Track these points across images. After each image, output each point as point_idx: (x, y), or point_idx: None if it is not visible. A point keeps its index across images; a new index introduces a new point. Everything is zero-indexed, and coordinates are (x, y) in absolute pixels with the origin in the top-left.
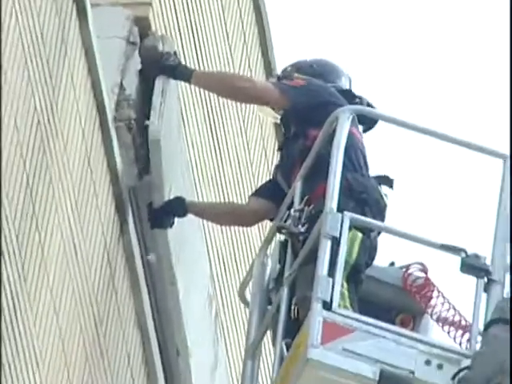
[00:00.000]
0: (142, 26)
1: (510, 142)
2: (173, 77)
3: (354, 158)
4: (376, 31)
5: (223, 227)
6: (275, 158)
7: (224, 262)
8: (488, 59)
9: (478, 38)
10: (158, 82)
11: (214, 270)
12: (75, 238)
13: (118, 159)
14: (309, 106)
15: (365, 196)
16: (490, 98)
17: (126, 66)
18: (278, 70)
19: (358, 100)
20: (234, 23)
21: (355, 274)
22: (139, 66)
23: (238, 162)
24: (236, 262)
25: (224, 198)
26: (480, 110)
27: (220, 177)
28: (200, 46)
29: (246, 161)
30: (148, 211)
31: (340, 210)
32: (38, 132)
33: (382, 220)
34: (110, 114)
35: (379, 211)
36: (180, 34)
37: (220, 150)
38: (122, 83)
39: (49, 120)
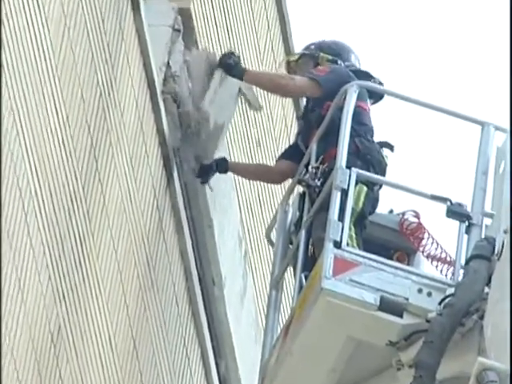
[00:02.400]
0: (185, 15)
1: (510, 119)
2: (229, 73)
3: (362, 125)
4: (385, 14)
5: (253, 183)
6: (294, 125)
7: (252, 209)
8: (489, 45)
9: (478, 27)
10: (217, 74)
11: (244, 216)
12: (130, 189)
13: (165, 125)
14: (332, 88)
15: (369, 157)
16: (491, 78)
17: (171, 49)
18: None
19: (372, 79)
20: (259, 13)
21: (361, 220)
22: (182, 48)
23: (263, 127)
24: (261, 208)
25: (250, 157)
26: (481, 88)
27: (248, 139)
28: (232, 31)
29: (269, 126)
30: (199, 166)
31: (348, 167)
32: (100, 102)
33: (383, 176)
34: (158, 87)
35: (381, 169)
36: (215, 21)
37: (248, 119)
38: (168, 62)
39: (109, 93)
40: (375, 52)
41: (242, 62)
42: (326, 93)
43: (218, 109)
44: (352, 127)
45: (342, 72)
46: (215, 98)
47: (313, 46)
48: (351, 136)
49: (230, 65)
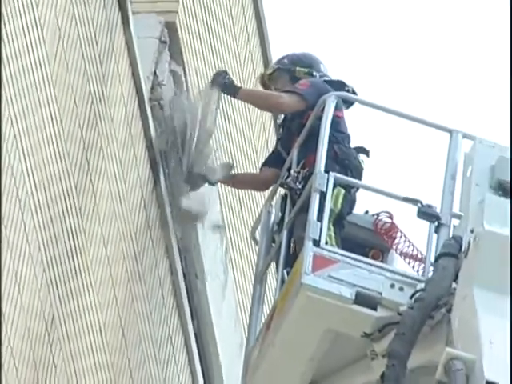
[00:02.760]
0: (171, 28)
1: (510, 136)
2: (223, 91)
3: (339, 133)
4: (370, 25)
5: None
6: (271, 132)
7: (232, 209)
8: (487, 52)
9: (477, 31)
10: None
11: (224, 214)
12: (120, 189)
13: (152, 130)
14: (313, 100)
15: (347, 162)
16: (490, 91)
17: (158, 59)
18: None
19: (346, 88)
20: (240, 26)
21: (339, 220)
22: (168, 59)
23: (244, 137)
24: (241, 208)
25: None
26: (479, 103)
27: (230, 148)
28: (214, 43)
29: (250, 134)
30: (188, 173)
31: (327, 171)
32: (92, 108)
33: (360, 180)
34: (146, 95)
35: (358, 173)
36: (199, 34)
37: (230, 130)
38: (155, 72)
39: (100, 100)
40: (351, 59)
41: (234, 80)
42: (308, 105)
43: (207, 124)
44: (331, 134)
45: (320, 84)
46: (215, 115)
47: (286, 60)
48: (330, 142)
49: (224, 84)
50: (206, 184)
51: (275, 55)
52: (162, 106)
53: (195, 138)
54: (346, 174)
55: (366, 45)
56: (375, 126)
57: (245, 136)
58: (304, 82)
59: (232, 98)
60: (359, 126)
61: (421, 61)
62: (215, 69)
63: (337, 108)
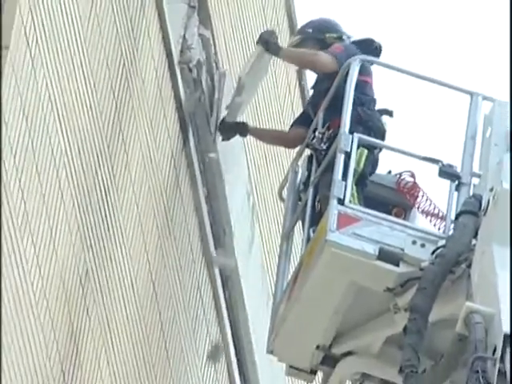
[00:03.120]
0: None
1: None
2: (266, 49)
3: (364, 96)
4: None
5: (259, 144)
6: (296, 93)
7: (259, 168)
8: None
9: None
10: (257, 49)
11: (251, 173)
12: (151, 148)
13: (182, 92)
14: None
15: (370, 124)
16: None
17: (187, 24)
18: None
19: (375, 45)
20: None
21: (362, 180)
22: (197, 23)
23: (270, 97)
24: (268, 167)
25: (258, 122)
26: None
27: (256, 109)
28: (242, 7)
29: (275, 95)
30: (221, 124)
31: (351, 132)
32: (124, 71)
33: (383, 140)
34: (175, 58)
35: (380, 134)
36: (228, 1)
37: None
38: (184, 36)
39: (131, 62)
40: (374, 24)
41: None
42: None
43: (251, 79)
44: (356, 97)
45: (351, 48)
46: (250, 70)
47: (309, 30)
48: (354, 105)
49: (268, 42)
50: (237, 136)
51: (300, 19)
52: (191, 68)
53: (222, 98)
54: (369, 135)
55: (385, 7)
56: (398, 88)
57: (270, 97)
58: (337, 45)
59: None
60: (382, 88)
61: (441, 25)
62: (242, 32)
63: (363, 72)
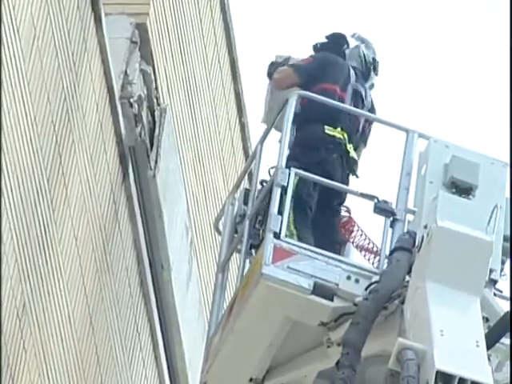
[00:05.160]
0: (141, 29)
1: (510, 148)
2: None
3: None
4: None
5: (198, 178)
6: (237, 129)
7: (197, 202)
8: (487, 59)
9: (477, 38)
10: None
11: (190, 208)
12: (90, 182)
13: (122, 126)
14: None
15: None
16: (490, 100)
17: (129, 58)
18: (240, 64)
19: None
20: (208, 29)
21: (300, 203)
22: (139, 59)
23: (210, 132)
24: (206, 201)
25: (199, 157)
26: (479, 113)
27: (196, 145)
28: (183, 44)
29: (215, 131)
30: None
31: (288, 167)
32: (65, 105)
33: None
34: (117, 93)
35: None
36: (168, 34)
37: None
38: (126, 71)
39: (72, 97)
40: None
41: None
42: (301, 79)
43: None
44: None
45: (324, 57)
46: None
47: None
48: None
49: (269, 74)
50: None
51: (241, 56)
52: (132, 103)
53: None
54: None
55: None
56: None
57: (210, 132)
58: (308, 57)
59: (197, 97)
60: None
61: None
62: (184, 68)
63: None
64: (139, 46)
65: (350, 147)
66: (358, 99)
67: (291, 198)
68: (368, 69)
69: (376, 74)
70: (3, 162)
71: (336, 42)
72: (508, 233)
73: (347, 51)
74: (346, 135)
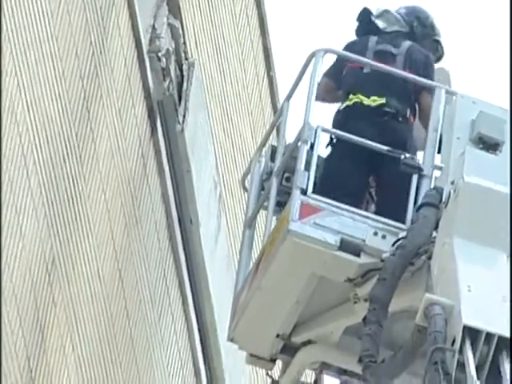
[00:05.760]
0: None
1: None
2: None
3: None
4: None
5: (227, 134)
6: (265, 83)
7: (226, 157)
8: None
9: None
10: None
11: (219, 163)
12: (118, 137)
13: (150, 81)
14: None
15: None
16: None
17: (157, 13)
18: (268, 18)
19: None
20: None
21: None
22: (167, 12)
23: (238, 87)
24: (235, 156)
25: (227, 111)
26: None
27: (224, 97)
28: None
29: (244, 85)
30: None
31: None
32: (93, 60)
33: None
34: (145, 47)
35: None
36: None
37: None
38: (154, 25)
39: (101, 51)
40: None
41: None
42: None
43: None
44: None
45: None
46: None
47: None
48: None
49: None
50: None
51: (270, 10)
52: (160, 58)
53: None
54: None
55: None
56: None
57: (239, 86)
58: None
59: (225, 51)
60: None
61: None
62: (212, 23)
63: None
64: (167, 0)
65: (364, 100)
66: (387, 58)
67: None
68: (411, 26)
69: (423, 25)
70: (31, 116)
71: (363, 20)
72: None
73: (379, 21)
74: (361, 96)
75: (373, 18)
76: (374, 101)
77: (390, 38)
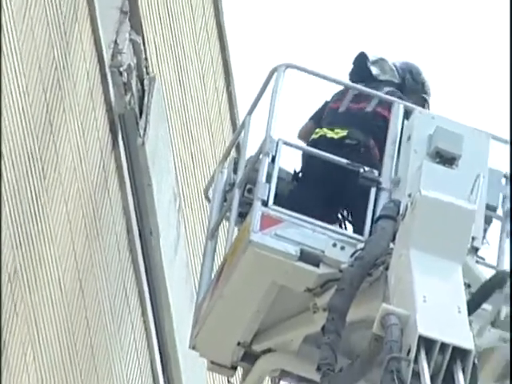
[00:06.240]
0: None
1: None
2: None
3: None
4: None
5: (186, 146)
6: (224, 98)
7: (186, 170)
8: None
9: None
10: None
11: (178, 176)
12: (81, 150)
13: (112, 94)
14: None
15: None
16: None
17: (119, 29)
18: (228, 33)
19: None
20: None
21: None
22: (129, 28)
23: (198, 101)
24: (194, 169)
25: (187, 126)
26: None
27: (184, 113)
28: (172, 13)
29: (204, 99)
30: None
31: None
32: (56, 73)
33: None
34: (107, 62)
35: None
36: (158, 4)
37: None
38: (116, 40)
39: (63, 66)
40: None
41: None
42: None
43: None
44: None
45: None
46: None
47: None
48: None
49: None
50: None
51: (229, 25)
52: (121, 72)
53: None
54: None
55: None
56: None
57: (199, 101)
58: None
59: (185, 66)
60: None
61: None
62: (172, 39)
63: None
64: (129, 16)
65: (328, 133)
66: (363, 97)
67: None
68: (403, 78)
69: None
70: None
71: (358, 65)
72: (490, 202)
73: (374, 67)
74: (326, 129)
75: (368, 64)
76: (337, 133)
77: (375, 85)
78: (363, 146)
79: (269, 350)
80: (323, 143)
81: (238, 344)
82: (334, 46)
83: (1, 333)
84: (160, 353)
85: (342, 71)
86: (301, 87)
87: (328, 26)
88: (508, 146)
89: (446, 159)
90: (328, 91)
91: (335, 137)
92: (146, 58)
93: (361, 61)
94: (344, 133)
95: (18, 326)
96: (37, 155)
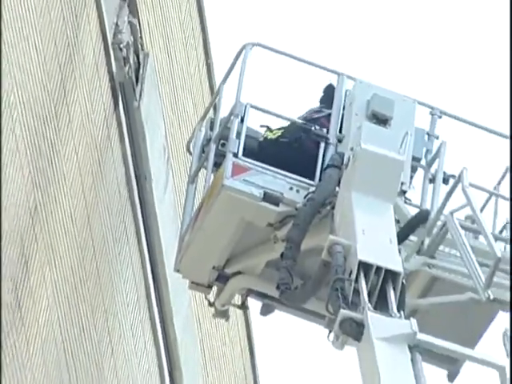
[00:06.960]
0: None
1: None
2: None
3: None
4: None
5: (174, 108)
6: (203, 71)
7: (173, 128)
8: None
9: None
10: None
11: (167, 132)
12: (88, 111)
13: (114, 66)
14: None
15: None
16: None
17: (119, 13)
18: (207, 15)
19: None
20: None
21: None
22: (127, 12)
23: (183, 75)
24: (180, 128)
25: (175, 97)
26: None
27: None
28: (162, 2)
29: (188, 73)
30: None
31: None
32: (68, 49)
33: None
34: (109, 40)
35: None
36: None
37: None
38: (117, 23)
39: (74, 43)
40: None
41: None
42: None
43: None
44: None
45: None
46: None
47: None
48: None
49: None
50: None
51: (208, 10)
52: (121, 48)
53: None
54: None
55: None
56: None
57: (184, 72)
58: None
59: (172, 44)
60: (266, 68)
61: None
62: (163, 22)
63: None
64: (128, 3)
65: (269, 135)
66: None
67: None
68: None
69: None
70: (19, 92)
71: (326, 93)
72: (416, 154)
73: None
74: (269, 132)
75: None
76: (275, 134)
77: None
78: (296, 141)
79: (238, 273)
80: (266, 144)
81: (213, 268)
82: (309, 26)
83: (1, 333)
84: (152, 273)
85: (315, 49)
86: (269, 61)
87: (306, 7)
88: (508, 141)
89: (381, 120)
90: (291, 67)
91: (273, 137)
92: (141, 37)
93: (329, 91)
94: (279, 133)
95: (39, 251)
96: (52, 114)
